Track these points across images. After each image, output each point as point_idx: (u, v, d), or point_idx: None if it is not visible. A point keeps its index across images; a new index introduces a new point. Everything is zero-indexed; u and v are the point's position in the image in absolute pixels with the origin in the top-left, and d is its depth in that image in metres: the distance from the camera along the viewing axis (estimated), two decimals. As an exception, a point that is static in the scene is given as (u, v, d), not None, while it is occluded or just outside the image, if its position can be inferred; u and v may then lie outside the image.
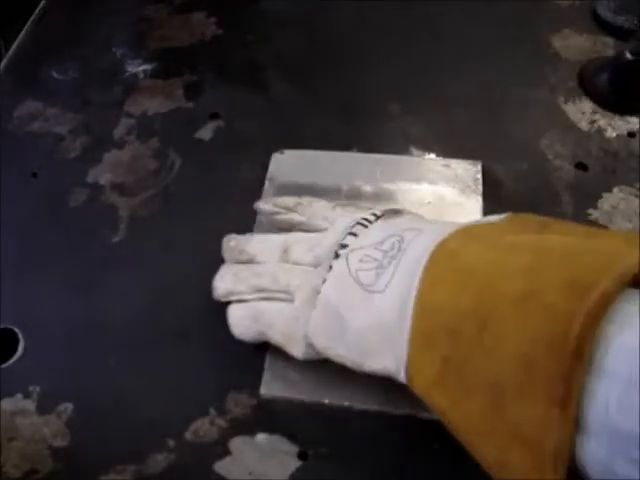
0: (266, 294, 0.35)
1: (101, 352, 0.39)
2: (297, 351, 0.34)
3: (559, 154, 0.46)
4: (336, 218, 0.36)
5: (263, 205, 0.40)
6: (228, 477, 0.33)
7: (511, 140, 0.47)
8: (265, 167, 0.46)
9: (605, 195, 0.43)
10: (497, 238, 0.29)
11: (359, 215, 0.36)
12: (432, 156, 0.47)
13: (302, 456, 0.34)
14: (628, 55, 0.44)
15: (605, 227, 0.42)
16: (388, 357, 0.30)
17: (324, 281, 0.33)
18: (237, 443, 0.34)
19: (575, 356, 0.22)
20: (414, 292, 0.28)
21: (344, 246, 0.34)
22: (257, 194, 0.45)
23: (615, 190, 0.43)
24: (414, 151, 0.47)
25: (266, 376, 0.36)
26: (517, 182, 0.45)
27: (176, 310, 0.40)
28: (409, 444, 0.29)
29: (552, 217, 0.31)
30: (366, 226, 0.34)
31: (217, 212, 0.45)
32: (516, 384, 0.24)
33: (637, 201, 0.43)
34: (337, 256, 0.33)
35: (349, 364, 0.32)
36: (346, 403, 0.35)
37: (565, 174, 0.45)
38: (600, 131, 0.47)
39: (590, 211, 0.43)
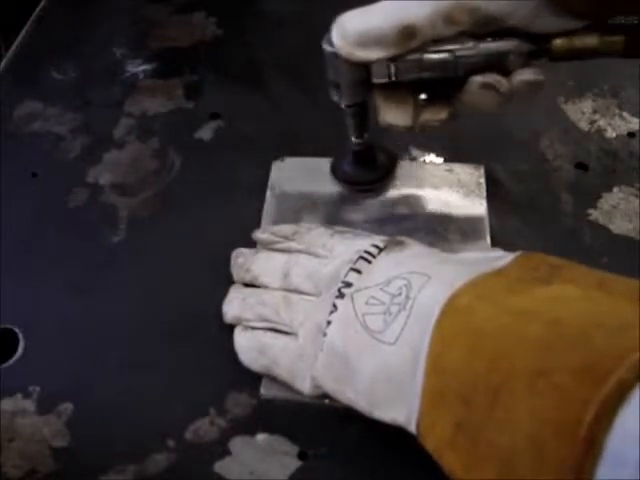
0: (271, 324, 0.36)
1: (101, 352, 0.39)
2: (304, 388, 0.34)
3: (559, 154, 0.46)
4: (334, 246, 0.36)
5: (261, 234, 0.40)
6: (228, 477, 0.33)
7: (511, 140, 0.47)
8: (265, 167, 0.46)
9: (605, 195, 0.43)
10: (509, 299, 0.28)
11: (359, 245, 0.35)
12: (432, 156, 0.47)
13: (302, 456, 0.34)
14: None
15: (606, 227, 0.42)
16: (398, 409, 0.29)
17: (329, 322, 0.33)
18: (237, 443, 0.34)
19: (587, 444, 0.22)
20: (426, 349, 0.28)
21: (348, 284, 0.33)
22: (257, 194, 0.45)
23: (615, 190, 0.44)
24: (414, 151, 0.47)
25: (266, 376, 0.36)
26: (517, 182, 0.45)
27: (176, 310, 0.40)
28: (409, 444, 0.29)
29: (565, 260, 0.30)
30: (369, 261, 0.34)
31: (217, 212, 0.45)
32: (527, 464, 0.24)
33: (637, 201, 0.43)
34: (341, 295, 0.33)
35: (359, 409, 0.31)
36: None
37: (565, 174, 0.45)
38: (600, 131, 0.47)
39: (590, 211, 0.43)
